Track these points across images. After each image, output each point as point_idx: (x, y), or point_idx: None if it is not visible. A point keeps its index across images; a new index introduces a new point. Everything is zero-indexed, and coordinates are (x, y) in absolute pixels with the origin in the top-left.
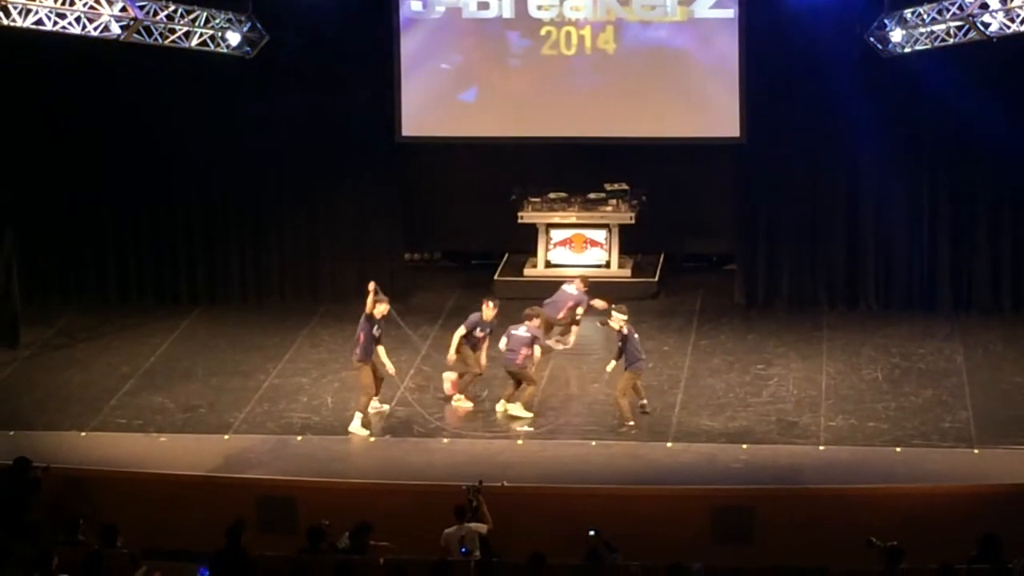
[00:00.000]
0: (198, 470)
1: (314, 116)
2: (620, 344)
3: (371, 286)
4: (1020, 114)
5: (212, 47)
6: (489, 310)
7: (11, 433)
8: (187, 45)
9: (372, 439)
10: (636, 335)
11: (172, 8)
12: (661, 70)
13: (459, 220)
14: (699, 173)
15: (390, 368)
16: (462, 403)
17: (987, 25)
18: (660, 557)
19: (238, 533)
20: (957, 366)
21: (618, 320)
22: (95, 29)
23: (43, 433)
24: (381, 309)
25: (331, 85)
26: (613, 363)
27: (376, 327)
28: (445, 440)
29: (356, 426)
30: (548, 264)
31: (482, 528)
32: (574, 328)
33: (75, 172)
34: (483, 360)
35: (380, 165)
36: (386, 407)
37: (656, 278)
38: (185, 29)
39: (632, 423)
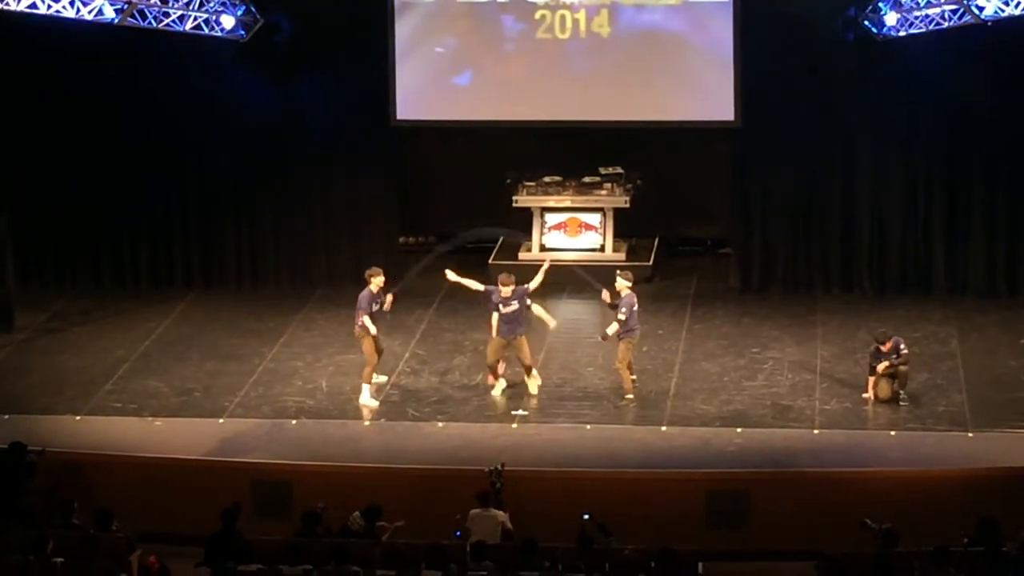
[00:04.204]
0: (193, 454)
1: (308, 100)
2: (620, 310)
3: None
4: (1015, 97)
5: (206, 31)
6: (506, 287)
7: (6, 417)
8: (181, 29)
9: (367, 423)
10: (636, 306)
11: None
12: (656, 54)
13: (454, 204)
14: (694, 157)
15: (387, 299)
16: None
17: (982, 8)
18: (654, 540)
19: (233, 517)
20: (952, 350)
21: (622, 285)
22: (89, 13)
23: (38, 417)
24: (378, 281)
25: (325, 69)
26: (615, 325)
27: (376, 300)
28: (440, 424)
29: (366, 398)
30: (543, 248)
31: (506, 518)
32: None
33: (70, 156)
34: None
35: (374, 149)
36: (384, 378)
37: (651, 262)
38: (179, 13)
39: (631, 396)
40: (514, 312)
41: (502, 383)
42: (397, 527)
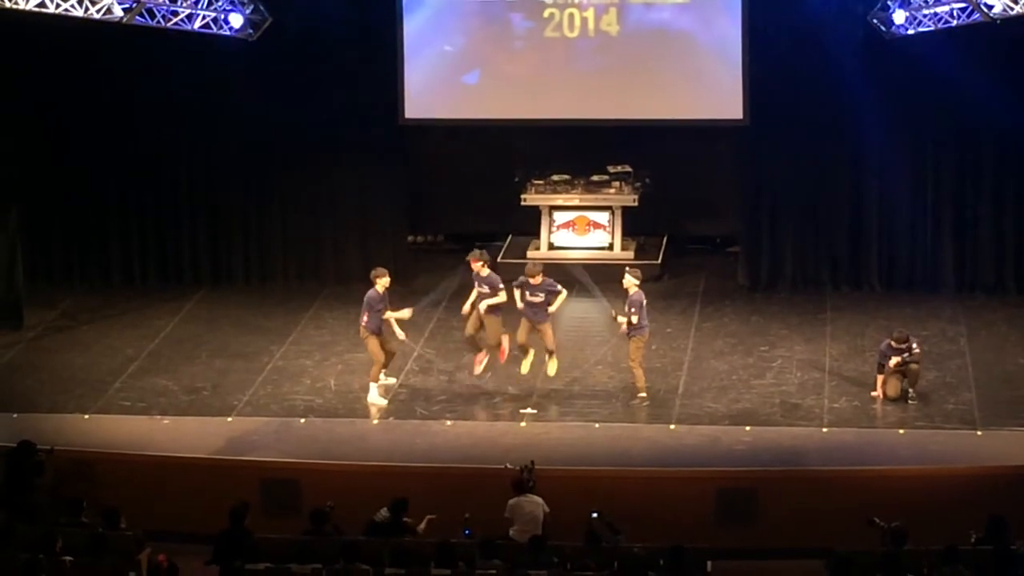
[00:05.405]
0: (201, 452)
1: (317, 99)
2: (630, 310)
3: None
4: (1023, 95)
5: (215, 29)
6: (475, 263)
7: (15, 415)
8: (189, 28)
9: (376, 421)
10: (645, 303)
11: None
12: (664, 52)
13: (462, 202)
14: (702, 155)
15: (400, 334)
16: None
17: (990, 7)
18: (663, 539)
19: (242, 515)
20: (960, 348)
21: (630, 283)
22: (97, 12)
23: (47, 415)
24: (384, 282)
25: (334, 67)
26: (623, 319)
27: (383, 301)
28: (448, 423)
29: (373, 396)
30: (551, 246)
31: (544, 502)
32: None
33: (79, 153)
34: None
35: (383, 147)
36: (393, 380)
37: (659, 260)
38: (187, 11)
39: (644, 394)
40: (538, 302)
41: (531, 356)
42: (430, 520)
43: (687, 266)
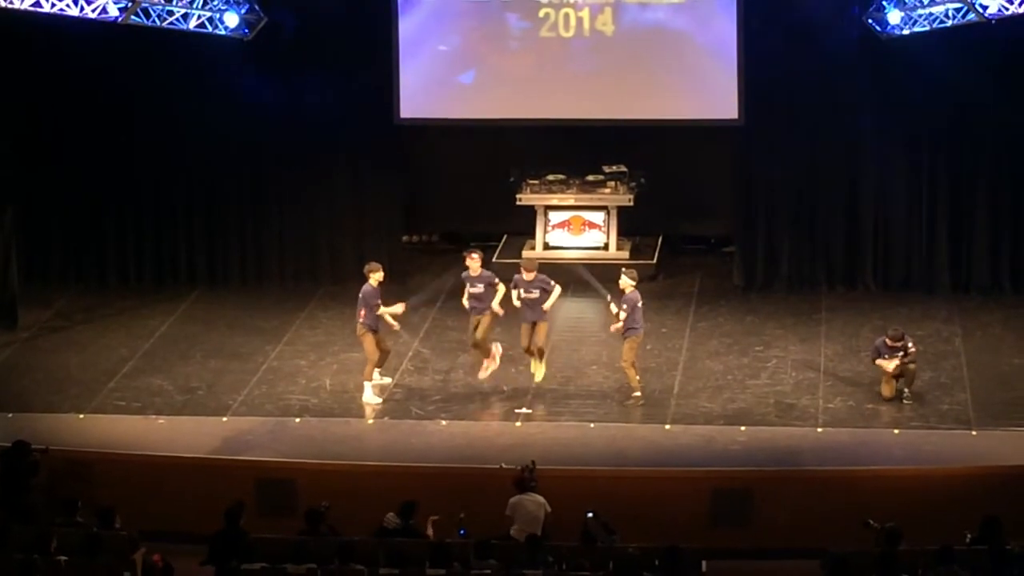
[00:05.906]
0: (196, 452)
1: (312, 98)
2: (622, 306)
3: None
4: (1019, 95)
5: (210, 29)
6: (473, 261)
7: (9, 415)
8: (185, 27)
9: (371, 421)
10: (640, 304)
11: None
12: (660, 52)
13: (457, 202)
14: (698, 155)
15: (395, 325)
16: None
17: (985, 7)
18: (658, 539)
19: (237, 515)
20: (955, 348)
21: (626, 283)
22: (93, 11)
23: (41, 415)
24: (378, 276)
25: (329, 67)
26: (614, 307)
27: (377, 295)
28: (443, 422)
29: (368, 396)
30: (546, 246)
31: (546, 501)
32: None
33: (74, 153)
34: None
35: (379, 147)
36: (388, 379)
37: (654, 260)
38: (183, 11)
39: (639, 394)
40: (534, 299)
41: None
42: (434, 521)
43: (682, 266)
